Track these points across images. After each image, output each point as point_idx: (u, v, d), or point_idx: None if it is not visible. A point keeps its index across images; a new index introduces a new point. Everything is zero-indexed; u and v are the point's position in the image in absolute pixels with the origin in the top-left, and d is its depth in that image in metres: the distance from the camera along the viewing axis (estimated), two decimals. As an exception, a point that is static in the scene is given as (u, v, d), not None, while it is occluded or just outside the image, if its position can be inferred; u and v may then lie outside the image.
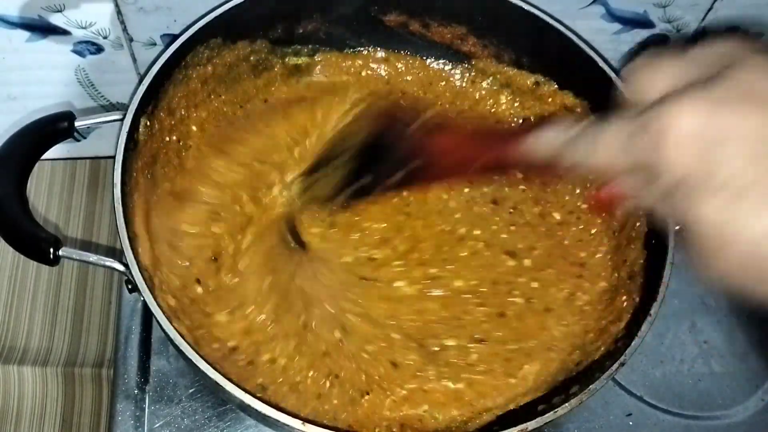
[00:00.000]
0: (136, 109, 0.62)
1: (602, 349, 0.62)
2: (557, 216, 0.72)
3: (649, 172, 0.38)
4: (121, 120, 0.61)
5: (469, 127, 0.70)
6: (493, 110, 0.78)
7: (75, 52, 0.71)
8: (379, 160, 0.61)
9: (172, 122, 0.68)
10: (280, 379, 0.61)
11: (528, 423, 0.54)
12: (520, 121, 0.77)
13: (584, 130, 0.43)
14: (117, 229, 0.57)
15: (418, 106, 0.76)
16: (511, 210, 0.72)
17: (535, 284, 0.68)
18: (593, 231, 0.71)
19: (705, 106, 0.36)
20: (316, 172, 0.68)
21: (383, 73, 0.79)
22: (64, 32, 0.69)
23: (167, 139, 0.68)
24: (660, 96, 0.39)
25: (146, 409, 0.66)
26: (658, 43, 0.83)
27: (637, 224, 0.67)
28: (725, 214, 0.36)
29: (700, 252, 0.38)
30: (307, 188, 0.68)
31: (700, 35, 0.75)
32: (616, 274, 0.68)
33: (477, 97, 0.78)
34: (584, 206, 0.72)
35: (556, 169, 0.45)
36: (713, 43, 0.41)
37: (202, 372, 0.53)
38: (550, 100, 0.75)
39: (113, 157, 0.60)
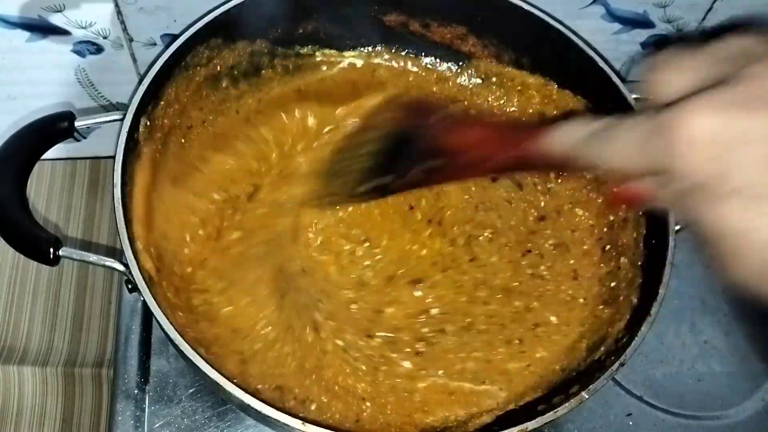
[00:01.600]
0: (136, 109, 0.62)
1: (602, 349, 0.62)
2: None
3: (664, 174, 0.37)
4: (121, 120, 0.61)
5: (489, 122, 0.70)
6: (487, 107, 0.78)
7: (75, 52, 0.71)
8: (400, 155, 0.60)
9: (172, 121, 0.68)
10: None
11: (528, 423, 0.54)
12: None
13: (601, 128, 0.42)
14: (117, 229, 0.57)
15: (440, 101, 0.76)
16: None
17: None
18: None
19: (721, 107, 0.35)
20: (334, 165, 0.68)
21: (383, 73, 0.79)
22: (64, 32, 0.69)
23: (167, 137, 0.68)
24: (677, 95, 0.38)
25: (146, 409, 0.66)
26: (658, 44, 0.83)
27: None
28: (742, 219, 0.35)
29: (718, 255, 0.37)
30: (325, 183, 0.68)
31: (718, 31, 0.73)
32: (610, 283, 0.68)
33: (475, 96, 0.78)
34: (599, 200, 0.71)
35: (573, 167, 0.45)
36: (731, 39, 0.40)
37: (202, 372, 0.53)
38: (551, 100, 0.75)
39: (113, 157, 0.60)
